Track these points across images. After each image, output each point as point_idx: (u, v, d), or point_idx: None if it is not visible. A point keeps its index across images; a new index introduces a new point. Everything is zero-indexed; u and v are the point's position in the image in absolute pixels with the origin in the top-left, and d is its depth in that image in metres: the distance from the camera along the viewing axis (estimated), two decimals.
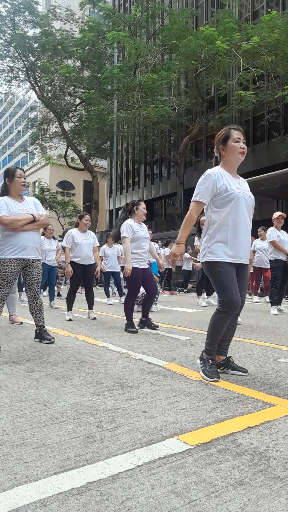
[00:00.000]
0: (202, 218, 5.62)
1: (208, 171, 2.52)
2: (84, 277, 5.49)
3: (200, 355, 2.57)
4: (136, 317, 4.90)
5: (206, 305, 7.58)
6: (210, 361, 2.47)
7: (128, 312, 4.48)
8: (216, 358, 2.61)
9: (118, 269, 8.53)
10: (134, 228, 4.44)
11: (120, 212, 32.23)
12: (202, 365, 2.48)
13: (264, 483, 1.25)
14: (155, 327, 4.60)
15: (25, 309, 6.68)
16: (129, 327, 4.39)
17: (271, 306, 6.43)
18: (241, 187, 2.54)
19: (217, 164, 2.64)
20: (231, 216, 2.45)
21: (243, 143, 2.52)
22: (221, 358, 2.62)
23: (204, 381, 2.39)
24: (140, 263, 4.45)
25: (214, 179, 2.47)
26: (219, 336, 2.49)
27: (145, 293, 4.69)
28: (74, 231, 5.52)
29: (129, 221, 4.50)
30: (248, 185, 2.70)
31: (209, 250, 2.48)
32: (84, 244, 5.41)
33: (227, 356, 2.64)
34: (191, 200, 2.53)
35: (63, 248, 5.48)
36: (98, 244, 5.79)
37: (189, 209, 2.53)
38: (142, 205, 4.63)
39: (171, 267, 11.86)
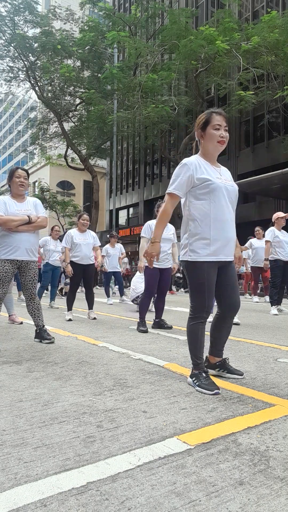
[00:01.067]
0: None
1: (184, 160, 2.30)
2: (84, 277, 5.50)
3: (190, 373, 2.34)
4: (136, 317, 4.90)
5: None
6: (204, 374, 2.25)
7: (142, 311, 4.53)
8: (211, 359, 2.53)
9: (120, 269, 8.57)
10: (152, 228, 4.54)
11: (119, 212, 32.06)
12: (195, 381, 2.24)
13: (264, 483, 1.25)
14: (169, 328, 4.62)
15: (25, 309, 6.69)
16: (141, 326, 4.43)
17: (271, 306, 6.43)
18: (222, 177, 2.32)
19: (197, 150, 2.43)
20: (212, 209, 2.24)
21: (225, 130, 2.28)
22: (217, 360, 2.51)
23: None
24: (157, 263, 4.50)
25: (191, 168, 2.25)
26: (200, 345, 2.30)
27: (144, 292, 4.70)
28: (73, 231, 5.56)
29: (151, 221, 4.63)
30: (230, 174, 2.47)
31: (191, 248, 2.28)
32: (83, 244, 5.42)
33: (223, 357, 2.53)
34: (166, 192, 2.31)
35: (64, 248, 5.52)
36: (99, 244, 5.80)
37: (164, 203, 2.33)
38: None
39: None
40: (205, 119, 2.30)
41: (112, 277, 8.96)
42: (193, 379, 2.27)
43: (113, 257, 8.47)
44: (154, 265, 4.47)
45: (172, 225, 4.83)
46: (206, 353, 2.63)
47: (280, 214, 6.45)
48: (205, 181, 2.24)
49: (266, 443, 1.55)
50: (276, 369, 2.72)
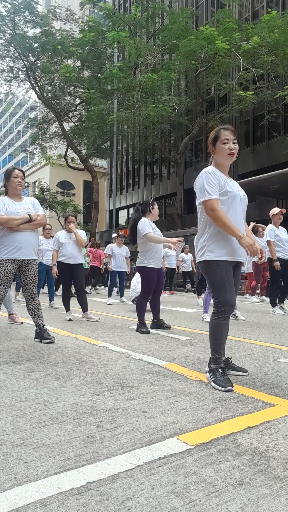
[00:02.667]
0: None
1: (207, 169, 2.48)
2: (73, 278, 5.39)
3: (209, 367, 2.44)
4: (136, 317, 4.90)
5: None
6: (220, 370, 2.34)
7: (141, 312, 4.49)
8: None
9: (125, 269, 8.56)
10: (153, 226, 4.53)
11: (119, 212, 31.93)
12: (212, 376, 2.33)
13: (264, 483, 1.25)
14: (168, 328, 4.61)
15: (25, 309, 6.68)
16: (141, 327, 4.39)
17: (273, 306, 6.40)
18: (234, 187, 2.52)
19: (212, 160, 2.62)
20: (230, 215, 2.41)
21: (233, 143, 2.45)
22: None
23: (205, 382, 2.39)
24: (155, 263, 4.50)
25: (213, 176, 2.43)
26: (222, 339, 2.41)
27: (141, 293, 4.68)
28: (60, 232, 5.61)
29: (147, 219, 4.56)
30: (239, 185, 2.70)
31: (209, 249, 2.43)
32: (68, 243, 5.42)
33: (226, 356, 2.61)
34: (203, 200, 2.38)
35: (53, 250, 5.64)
36: (86, 239, 5.73)
37: (210, 210, 2.36)
38: (157, 205, 4.77)
39: (174, 267, 11.94)
40: (214, 136, 2.51)
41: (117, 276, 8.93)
42: (210, 374, 2.37)
43: (118, 256, 8.46)
44: (154, 266, 4.48)
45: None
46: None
47: (275, 210, 6.28)
48: (225, 189, 2.43)
49: (266, 443, 1.55)
50: (276, 369, 2.72)
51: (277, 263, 6.07)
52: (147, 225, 4.43)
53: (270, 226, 6.26)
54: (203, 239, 2.50)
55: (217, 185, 2.41)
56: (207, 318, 5.25)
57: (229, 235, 2.40)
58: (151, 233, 4.40)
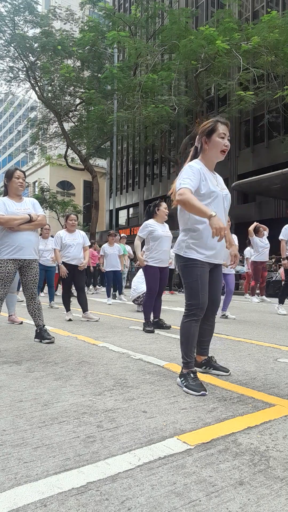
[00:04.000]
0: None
1: (194, 164, 2.31)
2: (74, 279, 5.42)
3: (180, 373, 2.36)
4: (136, 317, 4.90)
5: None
6: (192, 374, 2.26)
7: (147, 311, 4.57)
8: (197, 358, 2.61)
9: (119, 268, 8.53)
10: (152, 228, 4.57)
11: (119, 212, 31.98)
12: (183, 381, 2.25)
13: (264, 483, 1.25)
14: (167, 327, 4.64)
15: (25, 309, 6.69)
16: (147, 326, 4.47)
17: (279, 303, 6.38)
18: (218, 186, 2.39)
19: (195, 155, 2.44)
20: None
21: (228, 140, 2.34)
22: (202, 358, 2.61)
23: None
24: (156, 262, 4.53)
25: (199, 170, 2.28)
26: (192, 343, 2.34)
27: (147, 293, 4.70)
28: (62, 232, 5.57)
29: (149, 221, 4.64)
30: (223, 181, 2.54)
31: (187, 245, 2.35)
32: (72, 244, 5.42)
33: (209, 355, 2.63)
34: (181, 187, 2.21)
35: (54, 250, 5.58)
36: (89, 244, 5.80)
37: (178, 195, 2.19)
38: (163, 206, 4.76)
39: (173, 267, 11.90)
40: (211, 127, 2.34)
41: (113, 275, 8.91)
42: (182, 379, 2.29)
43: (111, 255, 8.42)
44: (154, 264, 4.50)
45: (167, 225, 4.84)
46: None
47: None
48: (208, 189, 2.31)
49: (266, 443, 1.55)
50: (276, 369, 2.72)
51: (285, 262, 6.09)
52: (142, 229, 4.62)
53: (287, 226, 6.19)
54: (183, 234, 2.42)
55: (199, 180, 2.26)
56: None
57: (210, 237, 2.28)
58: (139, 237, 4.63)
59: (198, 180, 2.27)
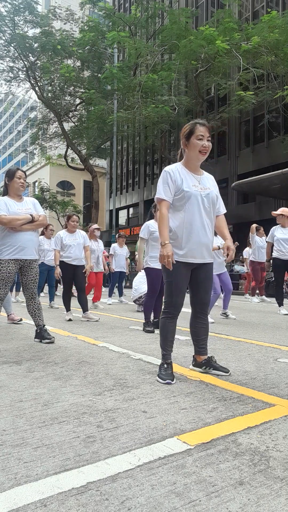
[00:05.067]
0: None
1: (166, 168, 2.46)
2: (75, 278, 5.42)
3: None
4: (136, 317, 4.90)
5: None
6: (165, 365, 2.44)
7: (147, 312, 4.58)
8: (197, 358, 2.64)
9: (125, 269, 8.58)
10: (153, 229, 4.56)
11: (119, 212, 31.93)
12: (158, 371, 2.46)
13: (264, 483, 1.25)
14: None
15: (25, 309, 6.68)
16: (147, 326, 4.49)
17: (279, 306, 6.40)
18: (199, 185, 2.45)
19: (181, 158, 2.56)
20: (186, 217, 2.40)
21: (207, 140, 2.40)
22: (202, 358, 2.62)
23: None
24: (156, 264, 4.51)
25: (171, 176, 2.41)
26: (168, 338, 2.48)
27: (148, 293, 4.71)
28: (62, 232, 5.58)
29: (150, 222, 4.63)
30: (213, 180, 2.59)
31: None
32: (73, 244, 5.42)
33: (209, 356, 2.64)
34: (156, 197, 2.46)
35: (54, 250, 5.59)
36: (89, 243, 5.81)
37: (160, 210, 2.43)
38: None
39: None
40: (189, 130, 2.42)
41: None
42: (159, 369, 2.48)
43: (120, 256, 8.46)
44: (152, 266, 4.52)
45: None
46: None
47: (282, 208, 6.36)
48: (181, 190, 2.40)
49: (266, 443, 1.55)
50: (276, 369, 2.72)
51: (267, 264, 6.20)
52: (143, 229, 4.62)
53: (275, 226, 6.34)
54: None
55: (173, 186, 2.41)
56: (209, 318, 5.26)
57: (190, 235, 2.40)
58: (142, 239, 4.62)
59: (171, 184, 2.40)
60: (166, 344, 2.48)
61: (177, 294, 2.43)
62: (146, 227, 4.59)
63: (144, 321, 4.60)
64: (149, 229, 4.56)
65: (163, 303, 2.52)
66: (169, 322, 2.48)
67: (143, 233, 4.60)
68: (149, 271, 4.54)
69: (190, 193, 2.39)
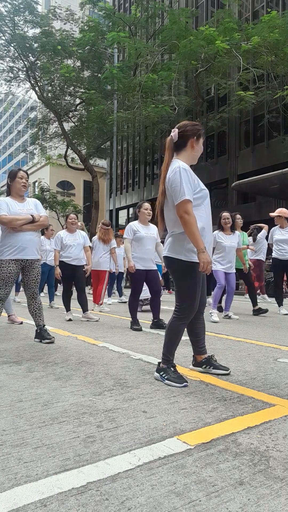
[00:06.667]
0: (224, 214, 5.61)
1: (183, 165, 2.27)
2: (75, 278, 5.42)
3: (157, 368, 2.42)
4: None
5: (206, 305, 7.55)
6: (172, 368, 2.36)
7: (132, 310, 4.64)
8: (197, 358, 2.63)
9: (123, 269, 8.60)
10: (135, 229, 4.61)
11: (119, 212, 31.99)
12: (164, 375, 2.33)
13: (264, 483, 1.25)
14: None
15: (25, 309, 6.69)
16: (134, 324, 4.55)
17: (279, 306, 6.41)
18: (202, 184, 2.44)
19: (176, 148, 2.39)
20: (207, 216, 2.35)
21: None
22: (202, 357, 2.61)
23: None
24: (142, 264, 4.52)
25: (191, 174, 2.28)
26: (177, 342, 2.41)
27: (131, 294, 4.72)
28: (62, 232, 5.58)
29: (133, 222, 4.69)
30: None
31: (187, 248, 2.30)
32: (73, 244, 5.42)
33: (209, 354, 2.64)
34: (180, 199, 2.20)
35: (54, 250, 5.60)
36: (90, 244, 5.82)
37: (183, 212, 2.20)
38: (144, 207, 4.72)
39: None
40: (199, 133, 2.40)
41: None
42: (161, 373, 2.36)
43: (118, 257, 8.46)
44: (139, 267, 4.54)
45: (154, 225, 4.82)
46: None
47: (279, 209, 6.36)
48: (199, 189, 2.35)
49: (266, 443, 1.55)
50: (276, 369, 2.72)
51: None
52: (127, 230, 4.66)
53: (274, 227, 6.36)
54: (178, 237, 2.35)
55: (193, 185, 2.28)
56: (215, 317, 5.25)
57: (207, 235, 2.34)
58: (126, 239, 4.62)
59: (191, 183, 2.28)
60: (174, 348, 2.41)
61: (198, 296, 2.36)
62: (130, 228, 4.64)
63: (131, 319, 4.67)
64: (132, 229, 4.61)
65: (179, 309, 2.36)
66: (184, 327, 2.39)
67: (127, 234, 4.64)
68: (132, 274, 4.57)
69: (206, 192, 2.37)
